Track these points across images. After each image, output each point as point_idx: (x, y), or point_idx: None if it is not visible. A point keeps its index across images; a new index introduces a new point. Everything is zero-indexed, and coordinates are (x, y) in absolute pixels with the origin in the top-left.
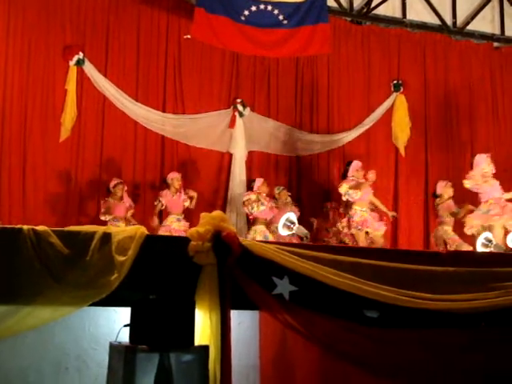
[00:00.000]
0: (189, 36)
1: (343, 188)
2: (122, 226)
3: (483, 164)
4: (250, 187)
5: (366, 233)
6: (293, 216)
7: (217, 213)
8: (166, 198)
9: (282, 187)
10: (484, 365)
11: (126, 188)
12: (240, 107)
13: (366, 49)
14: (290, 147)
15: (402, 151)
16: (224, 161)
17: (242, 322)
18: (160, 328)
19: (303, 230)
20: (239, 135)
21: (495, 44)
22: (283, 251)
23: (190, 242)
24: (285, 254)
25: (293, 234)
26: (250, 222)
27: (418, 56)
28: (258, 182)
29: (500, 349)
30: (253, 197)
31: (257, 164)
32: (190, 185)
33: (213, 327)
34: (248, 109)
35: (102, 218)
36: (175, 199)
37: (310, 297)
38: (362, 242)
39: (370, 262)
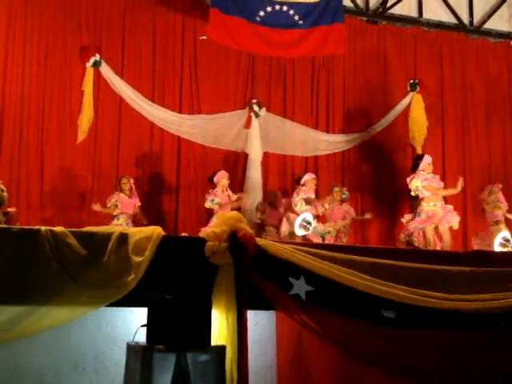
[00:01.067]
0: (204, 37)
1: (414, 184)
2: (122, 223)
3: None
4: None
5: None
6: (309, 216)
7: (233, 213)
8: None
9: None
10: (502, 365)
11: (132, 183)
12: (256, 107)
13: (382, 48)
14: (305, 147)
15: (419, 150)
16: (240, 161)
17: (259, 322)
18: (177, 328)
19: (320, 230)
20: (255, 135)
21: None
22: (299, 251)
23: (207, 242)
24: (301, 254)
25: (308, 233)
26: None
27: (434, 55)
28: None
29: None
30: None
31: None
32: (206, 185)
33: (229, 327)
34: (264, 109)
35: (109, 211)
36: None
37: (327, 297)
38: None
39: (386, 261)
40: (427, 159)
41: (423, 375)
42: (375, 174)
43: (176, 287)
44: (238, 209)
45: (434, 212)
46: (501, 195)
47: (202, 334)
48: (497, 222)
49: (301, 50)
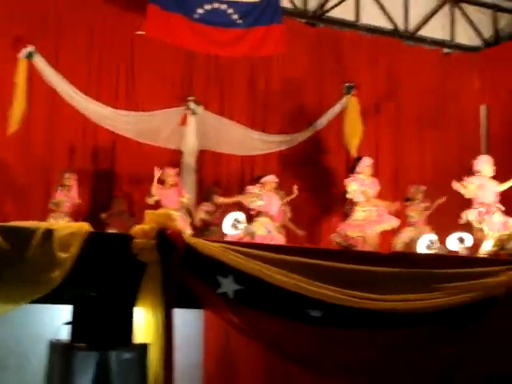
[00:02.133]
0: (142, 32)
1: (351, 186)
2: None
3: None
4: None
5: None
6: (241, 216)
7: (162, 210)
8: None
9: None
10: (426, 364)
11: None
12: (193, 105)
13: (319, 51)
14: (242, 146)
15: (354, 153)
16: (175, 158)
17: (187, 320)
18: (100, 326)
19: (251, 230)
20: (191, 133)
21: (445, 50)
22: (229, 250)
23: (135, 239)
24: (230, 253)
25: (239, 233)
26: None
27: (370, 59)
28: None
29: (440, 348)
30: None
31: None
32: (141, 182)
33: (156, 326)
34: (201, 107)
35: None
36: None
37: (255, 296)
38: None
39: (315, 261)
40: (366, 161)
41: (349, 374)
42: (310, 175)
43: (103, 284)
44: None
45: (366, 216)
46: (423, 197)
47: (125, 333)
48: (417, 223)
49: (239, 50)
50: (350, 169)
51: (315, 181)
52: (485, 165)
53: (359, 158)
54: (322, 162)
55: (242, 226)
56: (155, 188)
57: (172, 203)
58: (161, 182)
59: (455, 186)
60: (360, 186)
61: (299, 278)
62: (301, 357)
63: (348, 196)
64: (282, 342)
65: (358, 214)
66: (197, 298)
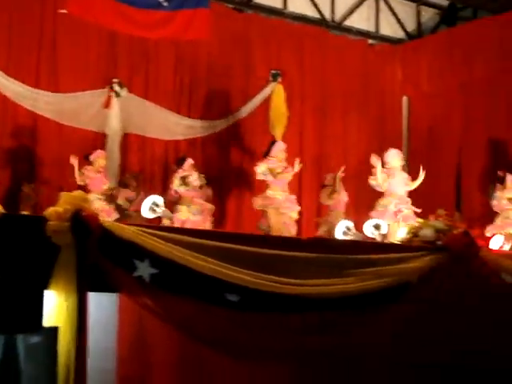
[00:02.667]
0: (64, 11)
1: (260, 168)
2: None
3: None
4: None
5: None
6: (159, 199)
7: (78, 192)
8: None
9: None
10: (340, 348)
11: None
12: (117, 87)
13: (246, 37)
14: (167, 131)
15: (279, 140)
16: (98, 141)
17: (101, 304)
18: (6, 309)
19: (169, 214)
20: (114, 116)
21: (370, 41)
22: (145, 233)
23: (48, 221)
24: (146, 236)
25: (158, 217)
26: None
27: (296, 48)
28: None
29: (353, 333)
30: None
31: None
32: (63, 166)
33: (69, 310)
34: (125, 90)
35: None
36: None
37: (172, 280)
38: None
39: (232, 246)
40: (280, 145)
41: (265, 358)
42: (235, 161)
43: (15, 267)
44: None
45: (273, 196)
46: (341, 183)
47: (35, 316)
48: (336, 208)
49: (164, 32)
50: (264, 153)
51: (240, 166)
52: (393, 159)
53: (273, 143)
54: (247, 148)
55: (160, 210)
56: (85, 171)
57: (98, 188)
58: (89, 164)
59: (370, 181)
60: (269, 165)
61: (216, 262)
62: (217, 341)
63: (257, 178)
64: (197, 325)
65: (268, 193)
66: (112, 282)
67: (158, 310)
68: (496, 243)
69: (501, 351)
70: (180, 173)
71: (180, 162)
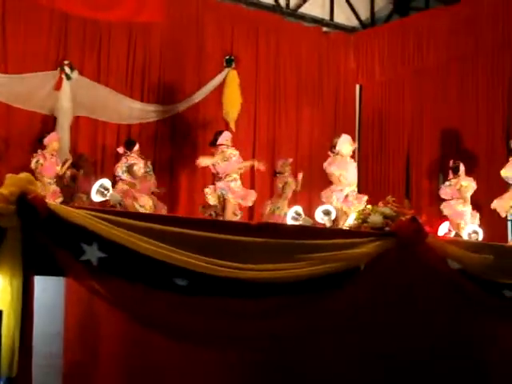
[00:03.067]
0: None
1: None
2: None
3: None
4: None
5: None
6: (107, 182)
7: (24, 174)
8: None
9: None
10: (291, 331)
11: None
12: (67, 69)
13: (200, 22)
14: (119, 115)
15: (233, 126)
16: (48, 124)
17: (47, 288)
18: None
19: (117, 197)
20: (65, 98)
21: (324, 29)
22: (93, 217)
23: None
24: (94, 220)
25: (106, 200)
26: None
27: (251, 34)
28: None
29: (303, 317)
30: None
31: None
32: (12, 149)
33: (13, 293)
34: (76, 72)
35: None
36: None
37: (120, 264)
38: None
39: (181, 230)
40: (226, 135)
41: (214, 343)
42: (188, 147)
43: None
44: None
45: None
46: (290, 170)
47: None
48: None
49: (117, 14)
50: (211, 142)
51: (193, 152)
52: (344, 144)
53: (220, 132)
54: (200, 133)
55: (108, 193)
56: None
57: (52, 171)
58: (43, 147)
59: (325, 167)
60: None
61: (165, 247)
62: (166, 326)
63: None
64: (146, 310)
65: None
66: (59, 266)
67: (106, 295)
68: (443, 230)
69: (446, 336)
70: (126, 159)
71: (128, 147)
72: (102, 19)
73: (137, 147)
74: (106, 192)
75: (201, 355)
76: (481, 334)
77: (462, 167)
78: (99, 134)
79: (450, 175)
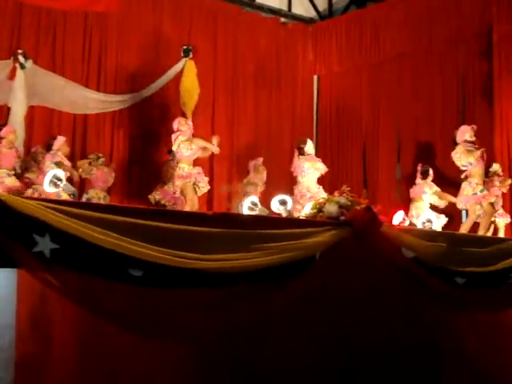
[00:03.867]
0: None
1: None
2: None
3: None
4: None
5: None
6: (60, 173)
7: None
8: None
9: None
10: (244, 321)
11: None
12: (21, 59)
13: (159, 11)
14: (75, 105)
15: (190, 116)
16: (2, 114)
17: None
18: None
19: (70, 188)
20: (19, 88)
21: (282, 19)
22: (46, 208)
23: None
24: (47, 211)
25: (59, 191)
26: None
27: (209, 24)
28: (59, 140)
29: (260, 306)
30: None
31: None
32: None
33: None
34: (30, 61)
35: None
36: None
37: (73, 255)
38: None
39: (135, 220)
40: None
41: (170, 333)
42: (145, 137)
43: None
44: None
45: (187, 173)
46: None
47: None
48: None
49: (71, 3)
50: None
51: (150, 142)
52: (311, 148)
53: (54, 138)
54: (158, 123)
55: (62, 184)
56: None
57: (9, 163)
58: None
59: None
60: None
61: (119, 237)
62: (120, 317)
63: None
64: (100, 302)
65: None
66: (10, 257)
67: (59, 286)
68: (397, 219)
69: (401, 324)
70: (52, 156)
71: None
72: (56, 8)
73: (60, 140)
74: (59, 183)
75: (156, 345)
76: (434, 320)
77: (431, 171)
78: (54, 124)
79: (418, 178)
